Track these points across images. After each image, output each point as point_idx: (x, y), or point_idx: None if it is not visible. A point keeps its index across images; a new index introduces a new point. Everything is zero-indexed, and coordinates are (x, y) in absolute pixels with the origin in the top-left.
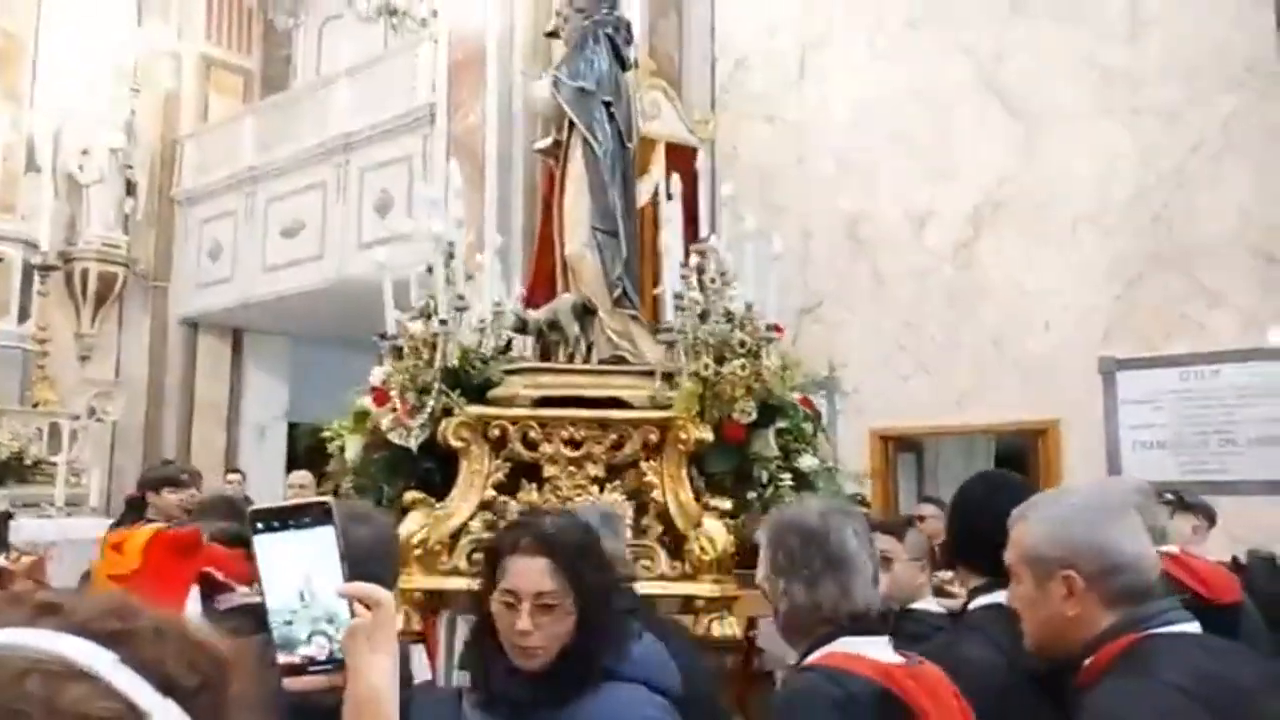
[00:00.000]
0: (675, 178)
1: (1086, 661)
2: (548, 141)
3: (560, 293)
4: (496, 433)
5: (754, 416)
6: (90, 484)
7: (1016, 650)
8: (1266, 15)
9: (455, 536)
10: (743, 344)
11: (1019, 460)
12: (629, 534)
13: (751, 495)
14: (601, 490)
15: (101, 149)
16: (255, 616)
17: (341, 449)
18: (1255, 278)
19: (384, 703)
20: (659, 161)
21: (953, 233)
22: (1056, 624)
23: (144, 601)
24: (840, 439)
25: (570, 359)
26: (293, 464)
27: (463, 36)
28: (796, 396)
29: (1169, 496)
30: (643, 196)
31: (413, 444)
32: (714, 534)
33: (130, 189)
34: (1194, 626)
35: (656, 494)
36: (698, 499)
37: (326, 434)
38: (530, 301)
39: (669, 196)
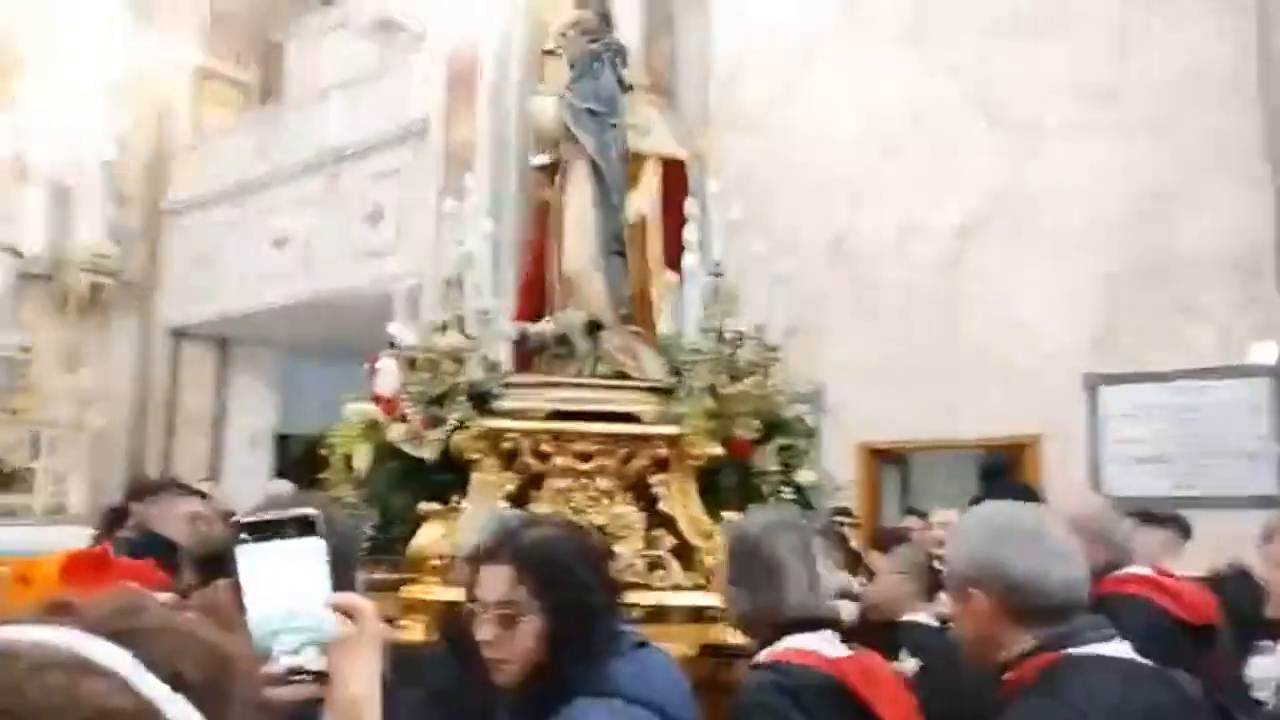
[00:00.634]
0: (691, 205)
1: (1006, 676)
2: (545, 159)
3: (557, 308)
4: (509, 445)
5: (758, 433)
6: (71, 493)
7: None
8: (1250, 32)
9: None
10: (753, 363)
11: (1002, 474)
12: (639, 545)
13: (754, 509)
14: (612, 503)
15: (93, 159)
16: None
17: (347, 458)
18: (1238, 294)
19: (367, 713)
20: (651, 176)
21: (939, 247)
22: (978, 639)
23: (152, 601)
24: (825, 452)
25: (578, 374)
26: (281, 476)
27: (456, 51)
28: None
29: (1136, 511)
30: (633, 211)
31: (428, 455)
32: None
33: (120, 199)
34: (1115, 648)
35: (664, 506)
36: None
37: (331, 442)
38: (519, 315)
39: (686, 219)
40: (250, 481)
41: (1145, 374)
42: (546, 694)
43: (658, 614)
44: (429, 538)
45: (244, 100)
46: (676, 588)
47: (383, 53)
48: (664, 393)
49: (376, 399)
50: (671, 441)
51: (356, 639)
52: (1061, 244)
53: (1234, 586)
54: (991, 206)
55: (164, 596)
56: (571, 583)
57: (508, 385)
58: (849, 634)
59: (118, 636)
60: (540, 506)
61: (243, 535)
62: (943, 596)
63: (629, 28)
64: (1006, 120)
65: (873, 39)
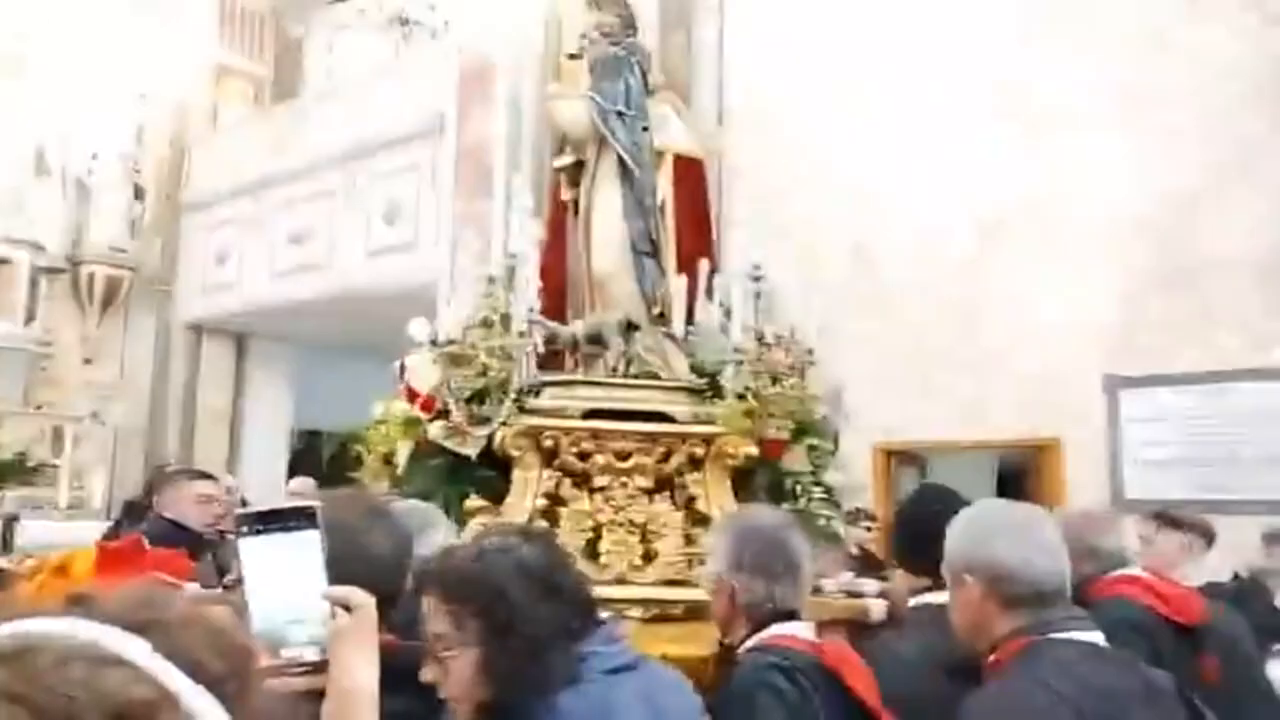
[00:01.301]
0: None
1: (991, 659)
2: (569, 159)
3: (585, 307)
4: (550, 443)
5: (790, 434)
6: (92, 487)
7: (938, 645)
8: (1278, 36)
9: None
10: (792, 367)
11: (1021, 476)
12: (679, 542)
13: (785, 507)
14: (651, 500)
15: (111, 154)
16: None
17: (386, 455)
18: (1263, 298)
19: (365, 705)
20: (666, 173)
21: (960, 248)
22: (969, 623)
23: (170, 593)
24: (843, 452)
25: (613, 372)
26: (296, 470)
27: (474, 48)
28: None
29: (1157, 513)
30: None
31: (472, 452)
32: None
33: (139, 194)
34: (1089, 635)
35: (700, 505)
36: None
37: (368, 439)
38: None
39: (701, 216)
40: (268, 476)
41: (1166, 376)
42: None
43: (696, 610)
44: (473, 533)
45: (260, 95)
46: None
47: (400, 48)
48: (695, 392)
49: (412, 395)
50: (708, 441)
51: (354, 631)
52: (1084, 246)
53: (1250, 592)
54: (1013, 208)
55: (192, 587)
56: (503, 608)
57: (545, 384)
58: (876, 628)
59: (139, 628)
60: (580, 504)
61: (244, 527)
62: None
63: (644, 24)
64: (1029, 122)
65: (893, 38)
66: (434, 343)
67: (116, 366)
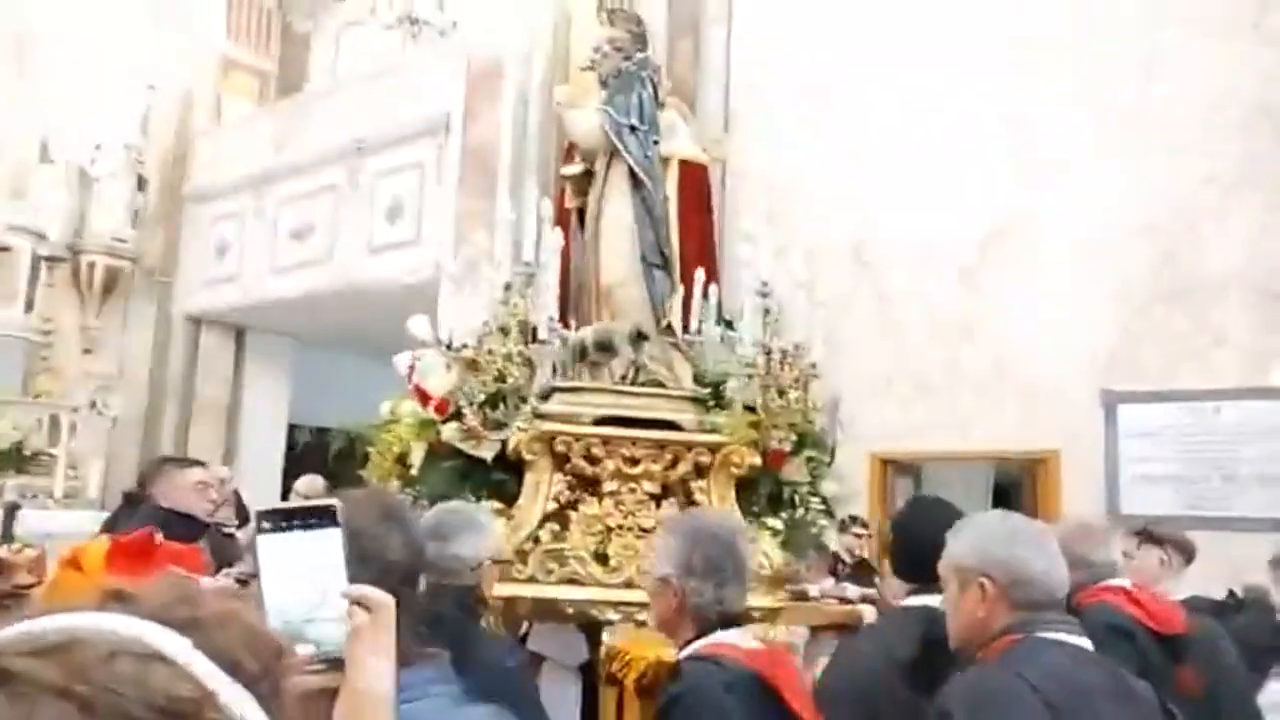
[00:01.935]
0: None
1: (979, 654)
2: (578, 168)
3: (593, 316)
4: (562, 448)
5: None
6: (89, 477)
7: (898, 644)
8: (1276, 56)
9: (524, 547)
10: (797, 380)
11: (1016, 488)
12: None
13: (784, 515)
14: (658, 506)
15: (115, 144)
16: None
17: (400, 456)
18: (1259, 316)
19: (380, 706)
20: (671, 178)
21: (959, 259)
22: (970, 623)
23: (204, 590)
24: (838, 461)
25: (622, 380)
26: (292, 464)
27: (482, 48)
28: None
29: (1139, 529)
30: None
31: (487, 455)
32: (771, 551)
33: (141, 185)
34: (1073, 638)
35: None
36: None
37: (381, 439)
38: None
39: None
40: (264, 470)
41: (1164, 393)
42: None
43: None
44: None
45: (266, 90)
46: None
47: (407, 46)
48: (700, 402)
49: (424, 397)
50: (714, 450)
51: (372, 631)
52: (1083, 262)
53: (1248, 611)
54: (1012, 222)
55: (204, 581)
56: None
57: (554, 390)
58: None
59: (181, 625)
60: (590, 508)
61: (264, 524)
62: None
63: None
64: (1030, 136)
65: (897, 53)
66: (448, 346)
67: (115, 357)
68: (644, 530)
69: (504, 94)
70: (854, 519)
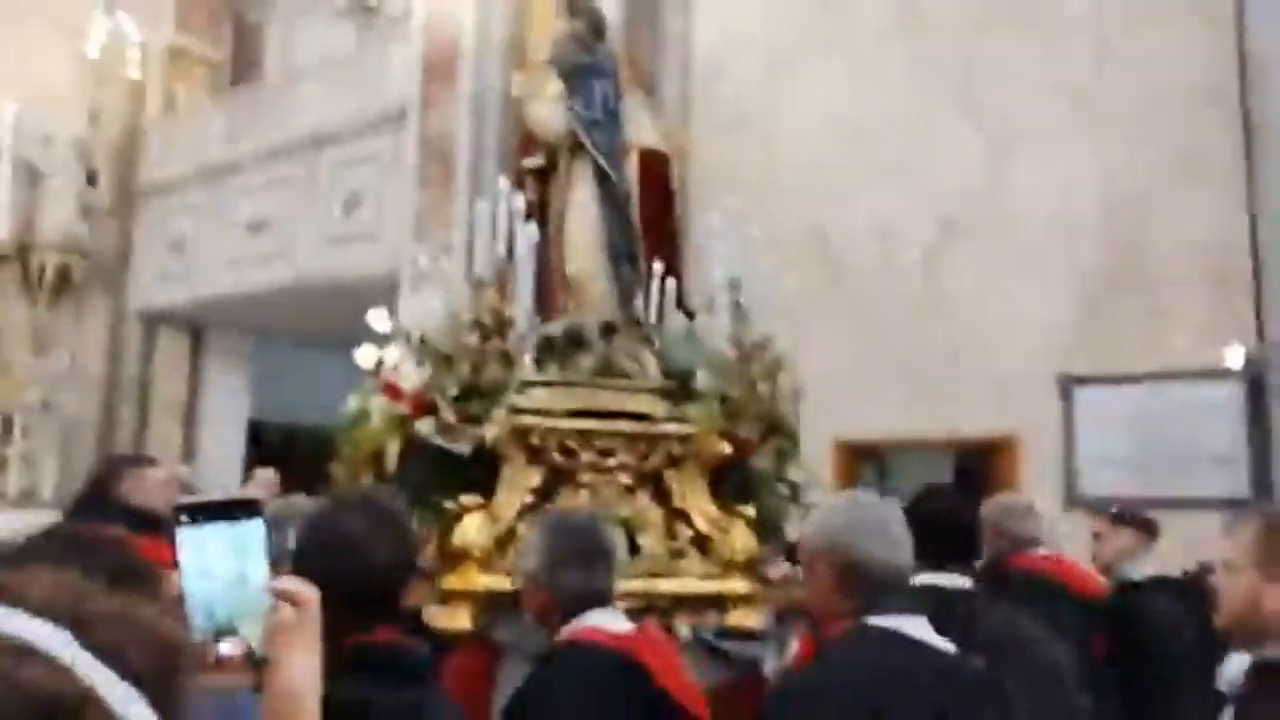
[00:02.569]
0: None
1: (823, 636)
2: (538, 161)
3: (559, 309)
4: (537, 441)
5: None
6: (42, 477)
7: None
8: (1228, 39)
9: (502, 539)
10: (767, 372)
11: (977, 473)
12: (661, 537)
13: (752, 504)
14: (633, 497)
15: (63, 137)
16: None
17: (374, 452)
18: (1212, 298)
19: (304, 704)
20: (631, 168)
21: (919, 245)
22: (821, 602)
23: (98, 585)
24: (803, 448)
25: (595, 373)
26: (254, 463)
27: (437, 35)
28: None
29: (1112, 511)
30: None
31: (466, 450)
32: (743, 538)
33: (91, 178)
34: (905, 623)
35: (677, 501)
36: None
37: (353, 435)
38: None
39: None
40: (224, 469)
41: (1119, 376)
42: None
43: (683, 600)
44: (471, 529)
45: (216, 80)
46: (708, 576)
47: (361, 35)
48: (668, 394)
49: (394, 392)
50: (684, 440)
51: (297, 626)
52: (1039, 245)
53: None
54: (970, 206)
55: (174, 575)
56: None
57: (525, 384)
58: None
59: (65, 621)
60: (567, 500)
61: (182, 518)
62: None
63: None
64: (986, 121)
65: (855, 37)
66: (423, 340)
67: (67, 356)
68: (621, 521)
69: (460, 83)
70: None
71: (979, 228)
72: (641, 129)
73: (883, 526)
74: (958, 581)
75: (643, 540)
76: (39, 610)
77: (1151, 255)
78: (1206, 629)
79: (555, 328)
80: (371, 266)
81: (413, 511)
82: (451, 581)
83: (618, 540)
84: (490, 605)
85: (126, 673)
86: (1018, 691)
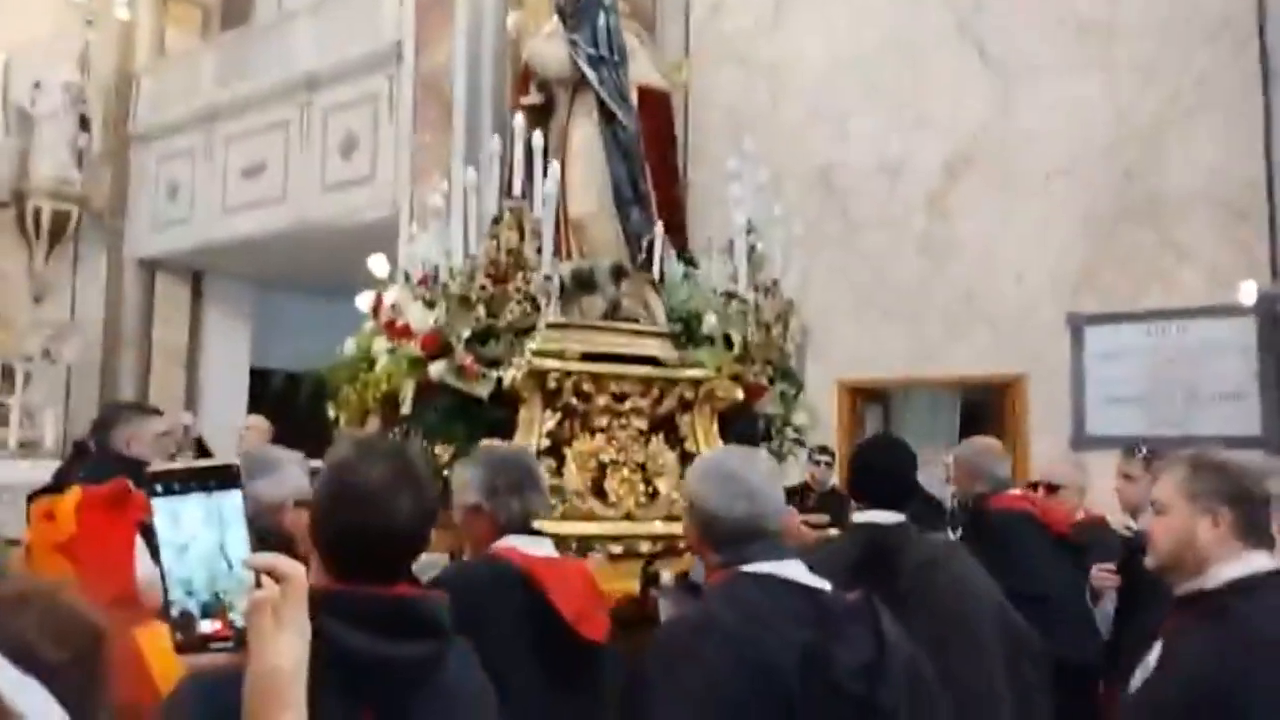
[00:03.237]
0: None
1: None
2: (539, 98)
3: (563, 251)
4: (553, 384)
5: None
6: (45, 426)
7: (848, 549)
8: None
9: None
10: (779, 317)
11: (985, 413)
12: (676, 481)
13: (762, 448)
14: (648, 442)
15: (54, 82)
16: None
17: (389, 395)
18: (1225, 234)
19: (287, 683)
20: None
21: (926, 183)
22: (697, 551)
23: (16, 567)
24: (808, 389)
25: (604, 317)
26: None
27: None
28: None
29: (1144, 451)
30: None
31: (484, 392)
32: None
33: (84, 124)
34: (781, 566)
35: (690, 445)
36: None
37: (365, 376)
38: None
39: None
40: (226, 414)
41: (1128, 314)
42: None
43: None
44: None
45: (208, 22)
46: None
47: None
48: (677, 338)
49: (401, 332)
50: (698, 384)
51: (280, 604)
52: (1048, 181)
53: None
54: (979, 143)
55: None
56: None
57: (553, 326)
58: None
59: None
60: (583, 444)
61: (157, 487)
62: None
63: None
64: (995, 56)
65: None
66: (434, 280)
67: (67, 304)
68: (638, 465)
69: (455, 22)
70: (823, 449)
71: (986, 164)
72: (641, 66)
73: (736, 480)
74: (892, 518)
75: (659, 484)
76: None
77: (1164, 191)
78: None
79: (563, 270)
80: (369, 210)
81: (429, 456)
82: None
83: (636, 484)
84: None
85: (32, 663)
86: (935, 603)
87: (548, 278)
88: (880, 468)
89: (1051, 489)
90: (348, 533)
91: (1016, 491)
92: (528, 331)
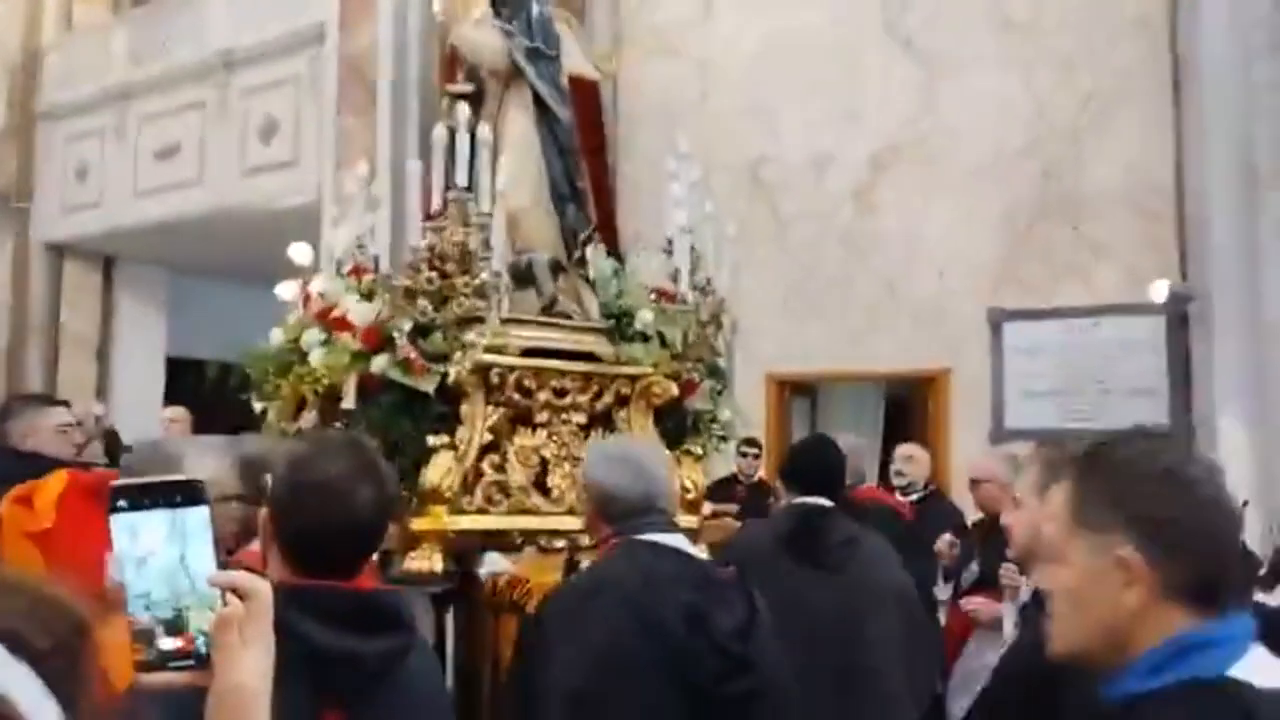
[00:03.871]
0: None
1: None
2: (468, 86)
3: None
4: (495, 379)
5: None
6: None
7: (782, 522)
8: None
9: (469, 479)
10: (713, 315)
11: (908, 406)
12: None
13: (688, 443)
14: (587, 436)
15: None
16: None
17: (330, 389)
18: (1139, 232)
19: (251, 704)
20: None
21: (852, 177)
22: (589, 527)
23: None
24: (736, 383)
25: (542, 312)
26: (170, 401)
27: None
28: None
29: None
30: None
31: (430, 388)
32: (695, 476)
33: None
34: (663, 537)
35: None
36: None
37: (300, 369)
38: None
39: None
40: (141, 405)
41: (1044, 310)
42: None
43: None
44: (440, 468)
45: None
46: None
47: None
48: (611, 334)
49: (342, 326)
50: (633, 381)
51: (245, 621)
52: (970, 178)
53: None
54: (903, 137)
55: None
56: None
57: (506, 320)
58: None
59: None
60: (525, 440)
61: (119, 503)
62: None
63: None
64: (920, 50)
65: None
66: (375, 271)
67: None
68: (578, 460)
69: (380, 2)
70: (749, 441)
71: (913, 159)
72: (570, 56)
73: (630, 462)
74: (819, 503)
75: None
76: None
77: (1080, 188)
78: None
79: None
80: (290, 195)
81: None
82: (419, 523)
83: (577, 478)
84: (462, 547)
85: (18, 650)
86: (855, 572)
87: (497, 273)
88: (815, 460)
89: (973, 483)
90: (309, 528)
91: (868, 485)
92: (468, 324)
